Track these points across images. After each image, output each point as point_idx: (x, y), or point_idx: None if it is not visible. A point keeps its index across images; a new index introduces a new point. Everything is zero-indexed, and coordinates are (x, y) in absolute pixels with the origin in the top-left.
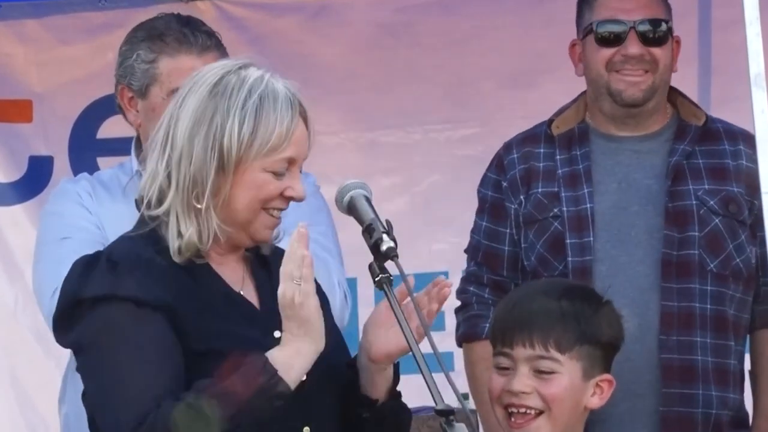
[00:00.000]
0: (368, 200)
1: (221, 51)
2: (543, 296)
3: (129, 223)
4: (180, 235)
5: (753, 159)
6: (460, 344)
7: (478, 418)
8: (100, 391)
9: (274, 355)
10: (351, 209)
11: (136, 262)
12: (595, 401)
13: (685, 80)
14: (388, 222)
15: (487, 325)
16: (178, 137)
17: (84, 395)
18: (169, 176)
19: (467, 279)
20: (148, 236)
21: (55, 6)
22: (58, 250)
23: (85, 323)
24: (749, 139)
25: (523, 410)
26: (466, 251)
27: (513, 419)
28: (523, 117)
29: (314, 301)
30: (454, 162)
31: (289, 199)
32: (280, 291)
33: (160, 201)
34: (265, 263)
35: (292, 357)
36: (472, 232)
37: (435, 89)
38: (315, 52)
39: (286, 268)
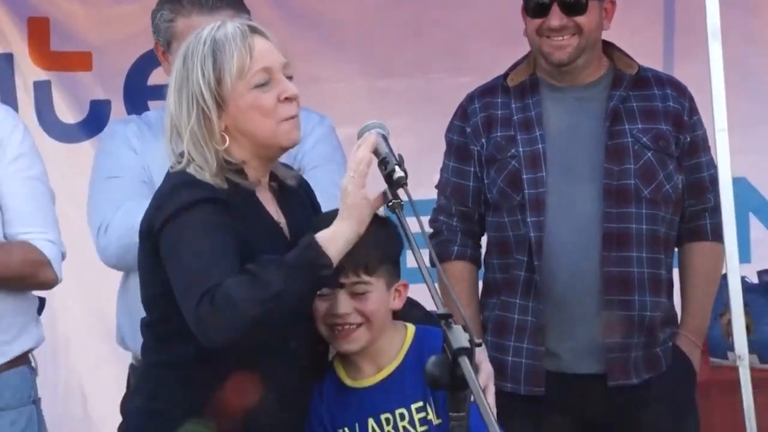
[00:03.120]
0: (385, 138)
1: (236, 7)
2: None
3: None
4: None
5: (678, 101)
6: (433, 264)
7: None
8: (178, 277)
9: (319, 235)
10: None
11: (197, 181)
12: (397, 303)
13: (652, 37)
14: (400, 156)
15: (456, 247)
16: (171, 106)
17: (148, 296)
18: (179, 133)
19: (438, 210)
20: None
21: None
22: (107, 188)
23: (167, 231)
24: (674, 84)
25: (346, 326)
26: (436, 187)
27: (337, 333)
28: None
29: (362, 194)
30: (453, 106)
31: (289, 99)
32: (342, 181)
33: (182, 154)
34: (288, 194)
35: (336, 236)
36: (442, 171)
37: (437, 44)
38: (334, 13)
39: (348, 164)
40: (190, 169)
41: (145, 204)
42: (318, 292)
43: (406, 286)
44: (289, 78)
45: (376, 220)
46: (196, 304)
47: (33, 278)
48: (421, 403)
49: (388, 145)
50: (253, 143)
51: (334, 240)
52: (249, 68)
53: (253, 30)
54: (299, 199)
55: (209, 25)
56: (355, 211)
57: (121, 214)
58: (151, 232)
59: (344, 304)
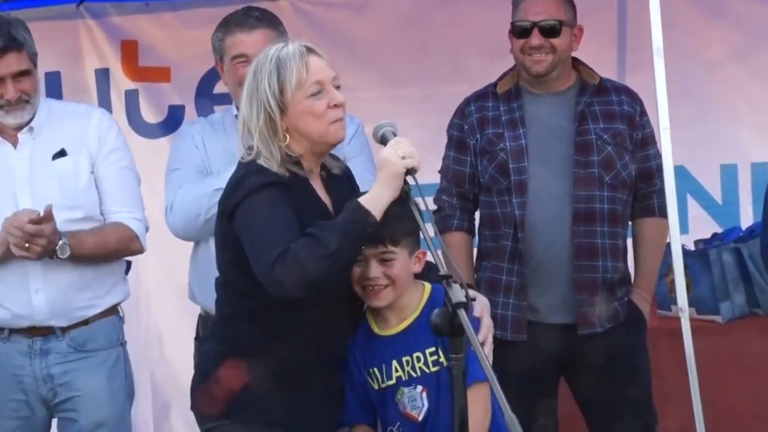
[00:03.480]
0: (395, 134)
1: (272, 26)
2: None
3: (228, 152)
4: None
5: (631, 105)
6: (436, 235)
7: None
8: (252, 244)
9: (363, 198)
10: (383, 140)
11: (264, 169)
12: (417, 267)
13: (606, 55)
14: None
15: (456, 221)
16: (243, 110)
17: (223, 261)
18: (250, 131)
19: (441, 191)
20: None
21: (185, 4)
22: (172, 178)
23: (243, 207)
24: (628, 92)
25: (376, 287)
26: (439, 172)
27: (369, 292)
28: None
29: (400, 163)
30: (451, 108)
31: (336, 105)
32: (381, 153)
33: (251, 147)
34: (334, 181)
35: (377, 200)
36: (444, 159)
37: (439, 59)
38: (358, 34)
39: (396, 144)
40: (260, 161)
41: (198, 187)
42: None
43: (424, 253)
44: (338, 87)
45: (399, 200)
46: (270, 266)
47: (125, 251)
48: (433, 348)
49: None
50: (308, 141)
51: (376, 203)
52: (305, 81)
53: (309, 50)
54: (343, 184)
55: (275, 45)
56: (394, 180)
57: (179, 197)
58: (227, 209)
59: (374, 269)
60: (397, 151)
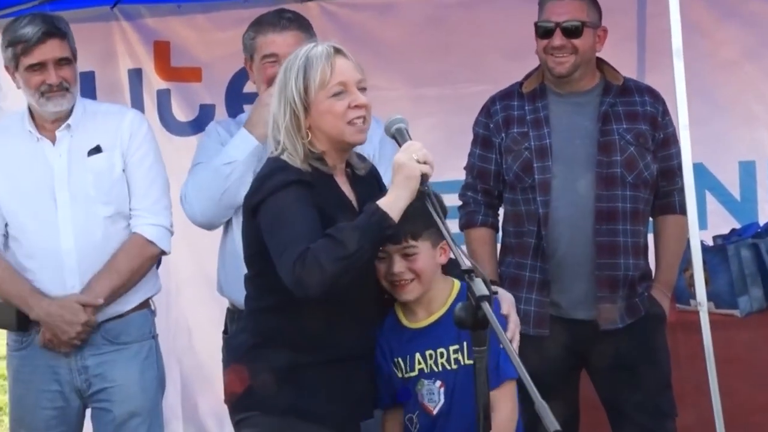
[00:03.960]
0: (407, 130)
1: (302, 28)
2: None
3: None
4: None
5: (654, 105)
6: (462, 230)
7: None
8: (275, 243)
9: (381, 201)
10: (395, 135)
11: (289, 166)
12: (443, 258)
13: (626, 54)
14: None
15: (480, 217)
16: (273, 106)
17: (249, 255)
18: (278, 127)
19: (466, 187)
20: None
21: (215, 6)
22: (193, 171)
23: (268, 205)
24: (651, 92)
25: (402, 281)
26: (465, 168)
27: (396, 287)
28: (518, 80)
29: (415, 167)
30: (472, 108)
31: (358, 107)
32: (396, 157)
33: (278, 141)
34: (359, 178)
35: (395, 202)
36: (469, 156)
37: (460, 60)
38: (383, 35)
39: (404, 147)
40: (285, 156)
41: (206, 168)
42: (378, 255)
43: (446, 245)
44: (363, 90)
45: (417, 195)
46: (291, 266)
47: (151, 263)
48: (457, 346)
49: (409, 136)
50: (328, 139)
51: (394, 205)
52: (329, 81)
53: (337, 51)
54: (368, 182)
55: (307, 45)
56: (410, 183)
57: (190, 183)
58: (251, 206)
59: (398, 264)
60: (412, 155)
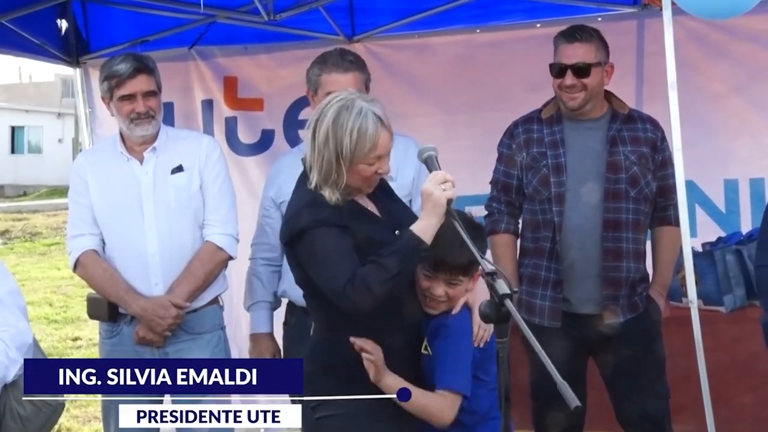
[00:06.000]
0: (436, 158)
1: (361, 69)
2: (451, 247)
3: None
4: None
5: (654, 132)
6: (487, 236)
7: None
8: (318, 276)
9: (415, 227)
10: (426, 161)
11: (318, 202)
12: (472, 285)
13: (626, 87)
14: None
15: (503, 224)
16: (318, 141)
17: (303, 280)
18: (314, 160)
19: (491, 199)
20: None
21: (276, 47)
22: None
23: (305, 240)
24: (652, 121)
25: (437, 302)
26: (490, 183)
27: (428, 302)
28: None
29: (442, 195)
30: (497, 132)
31: (380, 174)
32: (423, 187)
33: (312, 177)
34: (376, 194)
35: (428, 227)
36: (494, 172)
37: (487, 91)
38: (420, 71)
39: (430, 177)
40: (321, 192)
41: None
42: (425, 272)
43: (479, 273)
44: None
45: (473, 226)
46: (342, 291)
47: (221, 267)
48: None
49: (437, 163)
50: (353, 185)
51: (426, 231)
52: (368, 153)
53: (383, 125)
54: (381, 195)
55: (360, 99)
56: (438, 210)
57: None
58: (285, 238)
59: (440, 289)
60: (438, 184)
